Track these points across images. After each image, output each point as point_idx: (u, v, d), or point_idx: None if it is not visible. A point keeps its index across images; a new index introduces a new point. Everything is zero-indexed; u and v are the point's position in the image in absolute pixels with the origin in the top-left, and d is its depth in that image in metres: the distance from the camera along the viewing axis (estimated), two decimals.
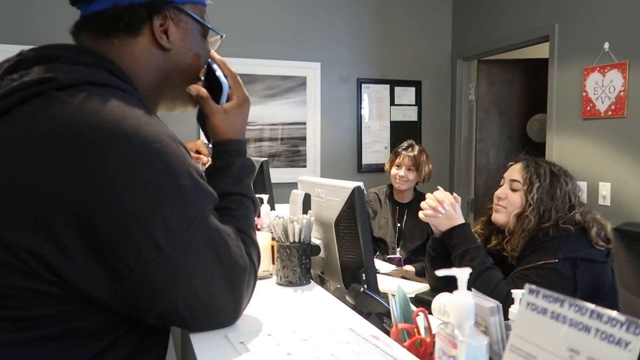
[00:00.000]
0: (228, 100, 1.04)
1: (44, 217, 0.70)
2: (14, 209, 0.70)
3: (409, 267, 2.59)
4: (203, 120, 1.05)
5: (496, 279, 1.56)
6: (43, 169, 0.70)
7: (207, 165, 1.00)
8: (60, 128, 0.72)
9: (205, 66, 1.02)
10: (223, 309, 0.88)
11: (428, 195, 1.70)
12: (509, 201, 1.72)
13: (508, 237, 1.72)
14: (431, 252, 1.78)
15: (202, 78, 1.02)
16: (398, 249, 2.82)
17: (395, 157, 2.91)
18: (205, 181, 0.85)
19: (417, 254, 2.76)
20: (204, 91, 1.00)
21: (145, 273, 0.74)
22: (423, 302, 1.55)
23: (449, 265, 1.62)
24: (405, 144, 2.95)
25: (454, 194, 1.69)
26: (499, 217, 1.75)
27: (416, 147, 2.91)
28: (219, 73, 1.03)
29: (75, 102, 0.74)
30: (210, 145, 1.05)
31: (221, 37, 1.03)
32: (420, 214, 1.69)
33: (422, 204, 1.68)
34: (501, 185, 1.80)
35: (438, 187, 1.73)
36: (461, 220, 1.66)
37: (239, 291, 0.88)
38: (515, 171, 1.75)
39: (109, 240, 0.72)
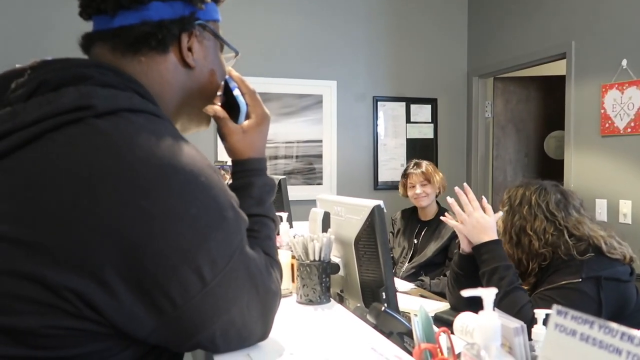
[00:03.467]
0: (247, 118, 1.01)
1: (89, 255, 0.67)
2: (56, 247, 0.67)
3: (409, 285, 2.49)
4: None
5: (523, 300, 1.52)
6: (88, 205, 0.67)
7: (226, 182, 0.99)
8: (106, 162, 0.69)
9: (222, 83, 0.99)
10: (254, 333, 0.88)
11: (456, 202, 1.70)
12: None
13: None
14: (457, 270, 1.73)
15: (220, 93, 0.99)
16: (406, 264, 2.80)
17: (407, 179, 2.91)
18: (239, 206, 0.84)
19: (426, 270, 2.73)
20: (221, 111, 0.98)
21: (189, 308, 0.73)
22: (443, 321, 1.53)
23: (475, 283, 1.60)
24: (411, 164, 2.94)
25: (484, 200, 1.69)
26: None
27: (423, 163, 2.91)
28: (236, 92, 0.99)
29: (118, 134, 0.72)
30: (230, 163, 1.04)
31: (236, 54, 1.00)
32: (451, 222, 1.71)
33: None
34: None
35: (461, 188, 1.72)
36: (495, 236, 1.62)
37: (271, 316, 0.89)
38: None
39: (155, 277, 0.70)
